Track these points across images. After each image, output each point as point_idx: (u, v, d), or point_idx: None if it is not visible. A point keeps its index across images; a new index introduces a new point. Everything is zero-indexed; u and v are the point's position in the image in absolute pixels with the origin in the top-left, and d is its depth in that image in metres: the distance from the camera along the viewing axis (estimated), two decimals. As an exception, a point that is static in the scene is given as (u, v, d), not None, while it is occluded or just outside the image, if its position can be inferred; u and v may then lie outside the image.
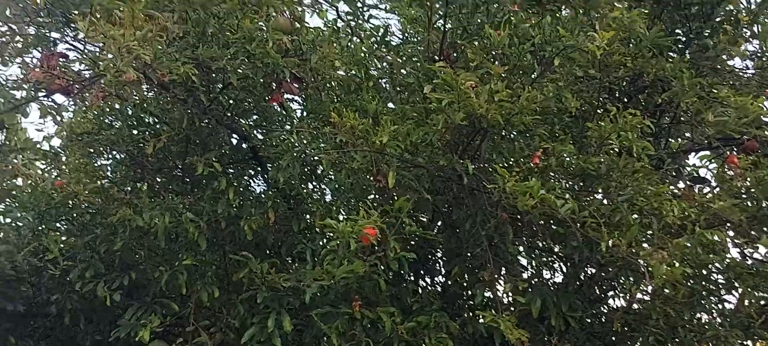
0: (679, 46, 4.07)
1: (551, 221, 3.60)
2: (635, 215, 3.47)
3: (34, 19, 3.44)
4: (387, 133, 3.38)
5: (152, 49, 3.26)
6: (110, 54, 3.18)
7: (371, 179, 3.67)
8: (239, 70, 3.51)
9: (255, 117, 4.04)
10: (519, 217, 3.56)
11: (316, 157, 3.73)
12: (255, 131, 4.03)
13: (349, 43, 4.26)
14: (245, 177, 4.15)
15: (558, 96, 3.34)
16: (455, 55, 3.96)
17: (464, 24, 3.92)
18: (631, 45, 3.68)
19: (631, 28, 3.39)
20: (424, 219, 3.97)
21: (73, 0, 3.39)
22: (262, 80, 3.66)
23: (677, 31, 4.09)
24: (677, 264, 3.27)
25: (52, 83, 3.73)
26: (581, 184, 3.64)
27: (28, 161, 5.43)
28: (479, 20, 3.88)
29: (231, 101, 3.83)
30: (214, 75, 3.68)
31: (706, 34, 4.06)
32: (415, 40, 4.36)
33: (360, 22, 4.49)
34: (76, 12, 3.34)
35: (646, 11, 3.79)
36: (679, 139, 4.35)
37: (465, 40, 3.95)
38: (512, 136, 3.68)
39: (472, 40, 3.86)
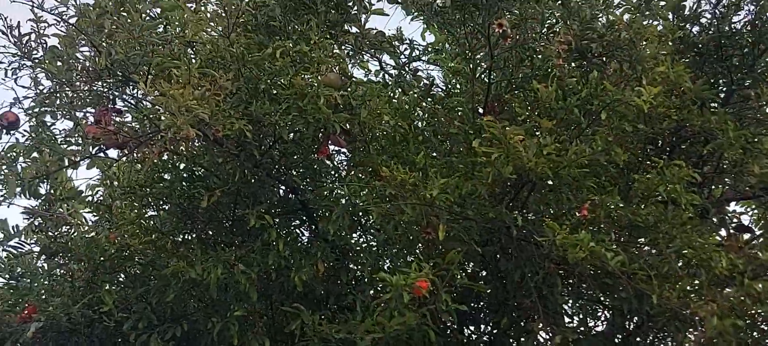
0: (721, 96, 4.12)
1: (600, 272, 3.62)
2: (684, 266, 3.50)
3: (95, 80, 3.56)
4: (437, 186, 3.45)
5: (209, 106, 3.36)
6: (169, 112, 3.28)
7: (420, 230, 3.72)
8: (291, 126, 3.59)
9: (303, 169, 4.11)
10: (567, 268, 3.60)
11: (365, 210, 3.79)
12: (303, 183, 4.10)
13: (394, 96, 4.35)
14: (294, 228, 4.22)
15: (607, 150, 3.39)
16: (500, 107, 4.04)
17: (509, 77, 4.00)
18: (675, 96, 3.73)
19: (677, 82, 3.44)
20: (472, 268, 4.01)
21: (132, 60, 3.51)
22: (311, 134, 3.74)
23: (719, 81, 4.14)
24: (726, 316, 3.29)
25: (108, 139, 3.86)
26: (629, 235, 3.67)
27: (75, 211, 5.57)
28: (524, 73, 3.96)
29: (281, 155, 3.92)
30: (265, 129, 3.78)
31: (748, 85, 4.11)
32: (459, 90, 4.44)
33: (404, 73, 4.59)
34: (135, 72, 3.47)
35: (688, 61, 3.87)
36: (722, 188, 4.37)
37: (510, 92, 4.03)
38: (560, 188, 3.72)
39: (518, 92, 3.94)
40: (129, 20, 3.57)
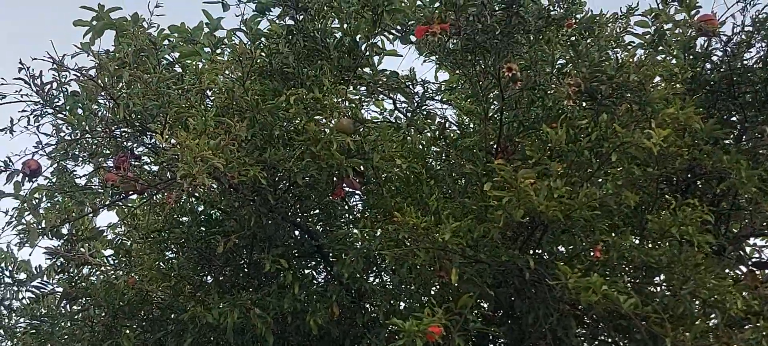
0: (735, 132, 4.11)
1: (614, 314, 3.61)
2: (699, 307, 3.48)
3: (113, 129, 3.65)
4: (449, 230, 3.47)
5: (225, 155, 3.43)
6: (185, 161, 3.35)
7: (434, 273, 3.74)
8: (304, 172, 3.65)
9: (318, 211, 4.16)
10: (582, 310, 3.60)
11: (379, 253, 3.82)
12: (318, 226, 4.15)
13: (407, 136, 4.39)
14: (309, 270, 4.26)
15: (617, 193, 3.40)
16: (512, 147, 4.06)
17: (520, 118, 4.03)
18: (686, 135, 3.73)
19: (687, 123, 3.45)
20: (485, 309, 4.01)
21: (150, 111, 3.60)
22: (325, 178, 3.80)
23: (733, 118, 4.13)
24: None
25: (126, 186, 3.95)
26: (643, 276, 3.66)
27: (96, 251, 5.67)
28: (535, 114, 3.99)
29: (295, 199, 3.97)
30: (280, 174, 3.84)
31: (761, 120, 4.10)
32: (472, 130, 4.48)
33: (417, 113, 4.63)
34: (152, 122, 3.56)
35: (696, 98, 3.87)
36: (740, 223, 4.34)
37: (521, 133, 4.06)
38: (572, 230, 3.73)
39: (529, 133, 3.96)
40: (146, 73, 3.66)
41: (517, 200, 3.42)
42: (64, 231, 5.36)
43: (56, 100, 4.11)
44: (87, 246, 5.58)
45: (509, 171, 3.45)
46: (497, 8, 3.67)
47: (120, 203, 4.45)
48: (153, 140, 3.86)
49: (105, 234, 5.63)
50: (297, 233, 4.19)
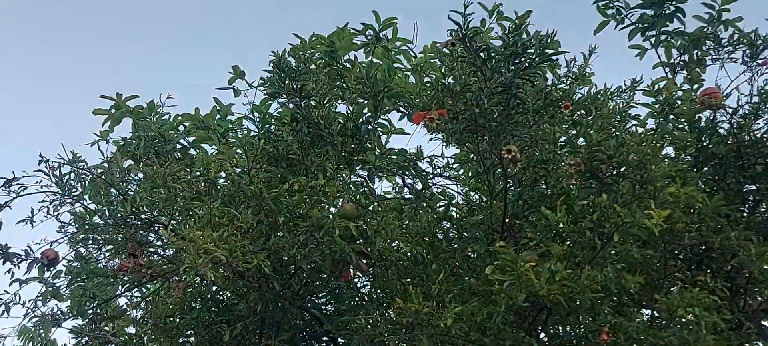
0: (748, 205, 4.04)
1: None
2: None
3: (121, 224, 3.76)
4: (450, 316, 3.46)
5: (228, 245, 3.50)
6: (189, 254, 3.43)
7: (439, 358, 3.72)
8: (308, 259, 3.69)
9: (325, 295, 4.19)
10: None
11: (384, 337, 3.82)
12: (326, 309, 4.17)
13: (415, 215, 4.40)
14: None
15: (618, 277, 3.35)
16: (517, 226, 4.05)
17: (525, 196, 4.02)
18: (693, 212, 3.68)
19: (688, 203, 3.41)
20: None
21: (157, 205, 3.70)
22: (329, 263, 3.83)
23: (744, 189, 4.06)
24: None
25: (138, 274, 4.05)
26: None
27: (119, 328, 5.77)
28: (539, 193, 3.98)
29: (302, 284, 4.01)
30: (285, 260, 3.88)
31: (774, 192, 4.02)
32: (479, 206, 4.48)
33: (425, 191, 4.66)
34: (160, 214, 3.66)
35: (701, 174, 3.83)
36: (758, 299, 4.23)
37: (527, 211, 4.05)
38: (577, 312, 3.68)
39: (534, 212, 3.95)
40: (155, 165, 3.77)
41: (518, 283, 3.41)
42: (89, 310, 5.49)
43: (74, 190, 4.27)
44: (111, 325, 5.69)
45: (511, 254, 3.44)
46: (495, 91, 3.70)
47: (136, 289, 4.53)
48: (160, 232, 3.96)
49: (128, 312, 5.74)
50: (305, 317, 4.21)
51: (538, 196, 3.98)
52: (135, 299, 4.90)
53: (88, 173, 3.88)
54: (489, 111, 3.68)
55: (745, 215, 4.03)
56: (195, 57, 11.13)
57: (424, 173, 4.59)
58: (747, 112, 3.94)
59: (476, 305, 3.61)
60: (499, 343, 3.59)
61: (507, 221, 4.06)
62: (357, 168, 4.28)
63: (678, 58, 4.53)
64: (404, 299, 3.53)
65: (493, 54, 3.77)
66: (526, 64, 3.75)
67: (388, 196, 4.75)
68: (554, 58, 3.85)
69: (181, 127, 4.87)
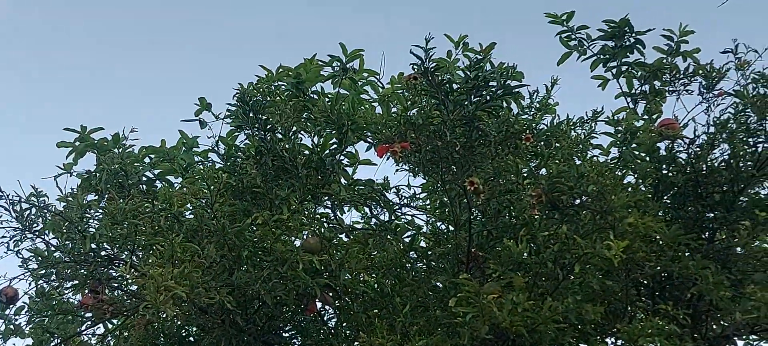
0: (707, 233, 4.09)
1: None
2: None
3: (80, 261, 3.71)
4: (414, 350, 3.46)
5: (190, 282, 3.47)
6: (149, 291, 3.39)
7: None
8: (272, 293, 3.67)
9: (290, 329, 4.16)
10: None
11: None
12: (292, 343, 4.15)
13: (381, 247, 4.40)
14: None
15: (578, 309, 3.38)
16: (483, 256, 4.07)
17: (489, 227, 4.04)
18: (652, 242, 3.73)
19: (647, 233, 3.46)
20: None
21: (116, 240, 3.66)
22: (293, 298, 3.81)
23: (703, 217, 4.12)
24: None
25: (101, 309, 3.99)
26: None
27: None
28: (503, 223, 4.00)
29: (267, 318, 3.98)
30: (249, 295, 3.86)
31: (733, 219, 4.08)
32: (446, 237, 4.49)
33: (392, 222, 4.66)
34: (120, 251, 3.62)
35: (659, 204, 3.88)
36: (719, 327, 4.28)
37: (491, 242, 4.07)
38: (539, 344, 3.70)
39: (499, 242, 3.97)
40: (115, 201, 3.74)
41: (481, 315, 3.42)
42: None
43: (34, 225, 4.21)
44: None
45: (474, 286, 3.46)
46: (457, 124, 3.73)
47: (99, 325, 4.47)
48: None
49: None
50: (271, 351, 4.18)
51: (502, 226, 4.01)
52: (96, 336, 4.84)
53: (48, 210, 3.82)
54: (451, 143, 3.72)
55: (705, 243, 4.09)
56: (164, 87, 11.12)
57: (391, 204, 4.59)
58: (704, 142, 4.02)
59: (440, 338, 3.62)
60: (465, 375, 3.60)
61: (472, 251, 4.09)
62: (323, 200, 4.28)
63: (639, 88, 4.60)
64: (368, 333, 3.53)
65: (455, 87, 3.81)
66: (489, 97, 3.79)
67: (357, 225, 4.76)
68: (516, 90, 3.89)
69: (146, 160, 4.83)
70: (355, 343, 3.77)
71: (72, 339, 5.37)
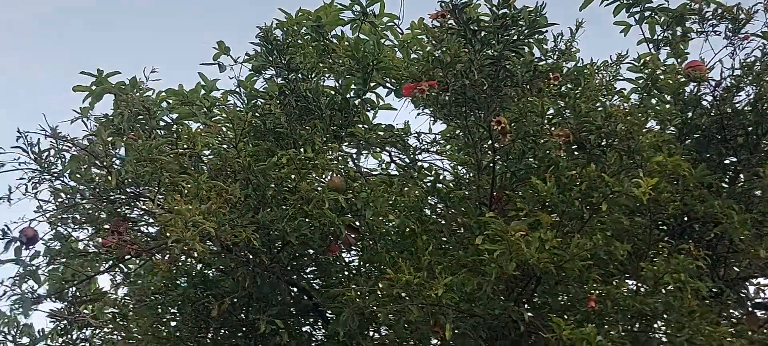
0: (728, 176, 4.10)
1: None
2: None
3: (106, 198, 3.69)
4: (441, 286, 3.47)
5: (217, 218, 3.47)
6: (177, 227, 3.39)
7: (430, 328, 3.73)
8: (297, 232, 3.67)
9: (314, 269, 4.18)
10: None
11: (373, 309, 3.82)
12: (315, 283, 4.16)
13: (401, 192, 4.40)
14: (307, 328, 4.26)
15: (607, 244, 3.39)
16: (506, 198, 4.07)
17: (512, 169, 4.04)
18: (679, 181, 3.73)
19: (675, 171, 3.46)
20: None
21: (142, 178, 3.65)
22: (318, 237, 3.81)
23: (726, 161, 4.13)
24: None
25: (122, 249, 3.98)
26: (639, 324, 3.64)
27: (99, 311, 5.68)
28: (527, 165, 4.00)
29: (290, 257, 3.99)
30: (273, 234, 3.86)
31: (755, 162, 4.09)
32: (467, 181, 4.49)
33: (412, 166, 4.65)
34: (146, 188, 3.61)
35: (686, 145, 3.88)
36: (736, 269, 4.31)
37: (515, 183, 4.07)
38: (566, 281, 3.72)
39: (522, 184, 3.97)
40: (139, 139, 3.72)
41: (508, 252, 3.43)
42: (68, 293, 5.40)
43: (53, 166, 4.18)
44: (90, 308, 5.60)
45: (500, 224, 3.46)
46: (484, 64, 3.70)
47: (119, 267, 4.47)
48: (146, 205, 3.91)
49: (108, 294, 5.66)
50: (294, 291, 4.20)
51: (526, 168, 4.00)
52: (117, 278, 4.84)
53: (71, 147, 3.79)
54: (479, 83, 3.69)
55: (726, 185, 4.10)
56: (179, 33, 10.95)
57: (411, 149, 4.58)
58: (729, 84, 4.00)
59: (466, 276, 3.63)
60: (489, 312, 3.62)
61: (495, 194, 4.09)
62: (345, 142, 4.26)
63: (662, 34, 4.57)
64: (395, 271, 3.54)
65: (482, 26, 3.78)
66: (515, 37, 3.76)
67: (375, 172, 4.75)
68: (543, 30, 3.86)
69: (164, 104, 4.80)
70: (379, 283, 3.77)
71: (90, 282, 5.39)
